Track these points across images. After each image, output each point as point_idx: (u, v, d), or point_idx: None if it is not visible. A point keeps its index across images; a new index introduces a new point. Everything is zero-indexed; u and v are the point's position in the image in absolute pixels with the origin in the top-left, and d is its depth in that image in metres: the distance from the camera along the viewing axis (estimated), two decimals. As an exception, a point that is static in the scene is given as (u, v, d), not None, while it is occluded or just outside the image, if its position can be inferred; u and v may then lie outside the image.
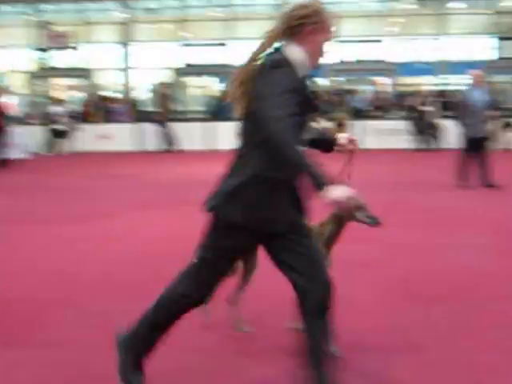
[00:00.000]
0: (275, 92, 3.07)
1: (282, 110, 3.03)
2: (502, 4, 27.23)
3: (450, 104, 21.72)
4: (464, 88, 13.45)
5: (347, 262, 6.14)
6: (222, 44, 26.47)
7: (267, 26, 3.44)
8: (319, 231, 4.06)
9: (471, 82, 12.86)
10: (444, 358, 4.22)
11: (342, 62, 25.61)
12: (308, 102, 3.24)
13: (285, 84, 3.10)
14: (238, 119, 3.37)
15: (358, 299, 5.49)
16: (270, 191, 3.25)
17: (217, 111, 22.61)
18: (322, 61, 3.41)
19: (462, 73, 24.86)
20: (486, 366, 4.11)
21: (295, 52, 3.29)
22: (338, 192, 3.01)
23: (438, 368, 4.07)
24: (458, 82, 25.18)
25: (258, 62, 3.30)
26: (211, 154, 19.57)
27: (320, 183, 3.00)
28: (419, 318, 5.04)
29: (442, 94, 23.50)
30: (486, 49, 26.89)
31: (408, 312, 5.21)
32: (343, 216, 3.99)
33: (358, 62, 25.59)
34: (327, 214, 4.10)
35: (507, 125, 19.58)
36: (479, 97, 12.56)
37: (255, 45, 3.37)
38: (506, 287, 5.89)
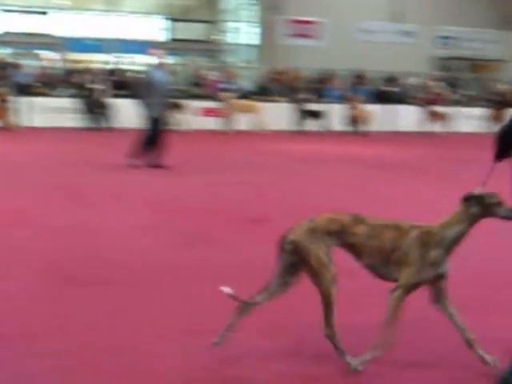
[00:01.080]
0: None
1: None
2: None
3: (121, 83, 21.22)
4: (145, 67, 13.31)
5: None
6: None
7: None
8: (442, 234, 3.63)
9: (153, 61, 12.68)
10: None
11: (6, 34, 23.84)
12: None
13: None
14: None
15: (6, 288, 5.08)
16: None
17: None
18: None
19: (133, 52, 24.58)
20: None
21: None
22: None
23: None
24: (130, 61, 24.80)
25: None
26: None
27: None
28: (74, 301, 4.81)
29: (113, 72, 22.82)
30: (158, 29, 26.85)
31: (62, 297, 4.94)
32: (481, 213, 3.62)
33: (24, 34, 23.92)
34: (451, 213, 3.68)
35: (177, 106, 19.48)
36: (161, 77, 12.37)
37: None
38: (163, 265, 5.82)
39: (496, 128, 22.92)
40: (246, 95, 22.20)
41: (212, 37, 27.79)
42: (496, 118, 23.31)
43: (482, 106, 24.10)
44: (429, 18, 27.84)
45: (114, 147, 15.17)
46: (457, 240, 3.65)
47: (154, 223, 7.64)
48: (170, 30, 26.85)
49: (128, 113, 16.92)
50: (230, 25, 28.65)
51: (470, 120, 23.92)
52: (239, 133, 20.49)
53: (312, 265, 3.67)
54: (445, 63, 28.99)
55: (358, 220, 3.74)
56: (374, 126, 22.18)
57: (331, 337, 3.69)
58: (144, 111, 12.35)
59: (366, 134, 21.36)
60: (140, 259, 6.03)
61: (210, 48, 27.19)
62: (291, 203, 9.12)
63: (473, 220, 3.65)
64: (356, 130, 21.90)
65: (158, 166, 12.12)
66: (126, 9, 26.41)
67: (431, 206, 8.99)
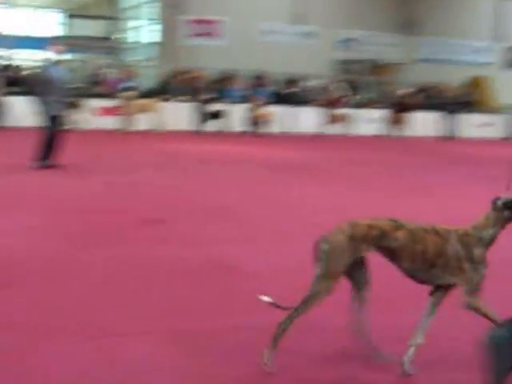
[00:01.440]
0: None
1: None
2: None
3: (15, 79, 20.43)
4: (43, 64, 12.67)
5: None
6: None
7: None
8: (479, 234, 3.69)
9: (50, 57, 12.21)
10: None
11: None
12: None
13: None
14: None
15: None
16: None
17: None
18: None
19: (28, 47, 23.70)
20: None
21: None
22: None
23: None
24: (24, 57, 23.93)
25: None
26: None
27: None
28: None
29: (5, 68, 21.92)
30: (55, 25, 26.06)
31: None
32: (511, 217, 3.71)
33: None
34: (482, 215, 3.71)
35: (74, 105, 18.85)
36: (58, 74, 11.92)
37: None
38: (47, 266, 5.65)
39: (394, 131, 23.39)
40: (145, 94, 21.73)
41: (112, 34, 27.16)
42: (395, 121, 23.74)
43: (382, 109, 24.48)
44: (330, 20, 28.08)
45: (6, 146, 14.54)
46: (492, 241, 3.73)
47: (46, 224, 7.34)
48: (67, 26, 26.06)
49: (22, 111, 16.25)
50: (131, 23, 28.10)
51: (370, 122, 24.25)
52: (139, 133, 20.05)
53: (328, 266, 3.62)
54: (346, 66, 29.31)
55: (398, 225, 3.74)
56: (275, 128, 22.16)
57: (279, 329, 3.64)
58: (41, 109, 11.85)
59: (266, 135, 21.29)
60: (31, 260, 5.82)
61: (109, 45, 26.55)
62: (189, 204, 8.97)
63: (504, 223, 3.75)
64: (256, 131, 21.80)
65: (53, 166, 11.65)
66: (22, 2, 25.48)
67: (328, 205, 8.99)
